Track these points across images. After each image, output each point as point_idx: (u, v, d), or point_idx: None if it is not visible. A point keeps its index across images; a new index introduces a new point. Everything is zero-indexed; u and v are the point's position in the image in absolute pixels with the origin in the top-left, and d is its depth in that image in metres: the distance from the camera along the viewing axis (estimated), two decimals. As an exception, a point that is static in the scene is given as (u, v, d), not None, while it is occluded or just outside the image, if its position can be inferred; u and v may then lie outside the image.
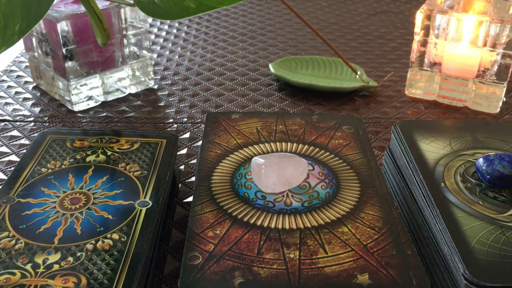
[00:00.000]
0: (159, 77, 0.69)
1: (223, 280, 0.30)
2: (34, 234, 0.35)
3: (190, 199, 0.46)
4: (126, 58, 0.62)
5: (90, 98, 0.60)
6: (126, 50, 0.62)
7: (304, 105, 0.63)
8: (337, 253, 0.32)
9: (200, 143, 0.54)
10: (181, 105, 0.62)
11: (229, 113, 0.48)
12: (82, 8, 0.56)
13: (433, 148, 0.42)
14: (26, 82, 0.67)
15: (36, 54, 0.62)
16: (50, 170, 0.41)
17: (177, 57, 0.76)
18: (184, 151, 0.54)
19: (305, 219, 0.35)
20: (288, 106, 0.62)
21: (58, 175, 0.41)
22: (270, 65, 0.69)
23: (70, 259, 0.33)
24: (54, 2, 0.56)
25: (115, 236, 0.35)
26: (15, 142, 0.54)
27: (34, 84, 0.66)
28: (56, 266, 0.32)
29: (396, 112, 0.62)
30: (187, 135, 0.56)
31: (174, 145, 0.45)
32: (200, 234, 0.34)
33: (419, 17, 0.60)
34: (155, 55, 0.76)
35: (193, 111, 0.61)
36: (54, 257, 0.33)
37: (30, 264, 0.32)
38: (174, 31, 0.85)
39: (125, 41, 0.61)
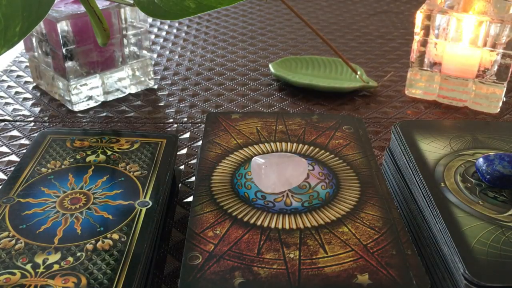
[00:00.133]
0: (159, 77, 0.69)
1: (223, 280, 0.30)
2: (34, 234, 0.35)
3: (190, 199, 0.46)
4: (126, 58, 0.62)
5: (90, 98, 0.60)
6: (126, 50, 0.62)
7: (304, 105, 0.63)
8: (337, 253, 0.32)
9: (200, 143, 0.54)
10: (181, 105, 0.62)
11: (229, 113, 0.48)
12: (82, 8, 0.56)
13: (433, 148, 0.42)
14: (26, 82, 0.67)
15: (36, 54, 0.62)
16: (50, 170, 0.41)
17: (177, 57, 0.76)
18: (184, 151, 0.54)
19: (305, 219, 0.35)
20: (288, 106, 0.62)
21: (58, 175, 0.41)
22: (270, 65, 0.69)
23: (70, 259, 0.33)
24: (54, 2, 0.56)
25: (115, 236, 0.35)
26: (15, 142, 0.54)
27: (34, 84, 0.66)
28: (56, 266, 0.32)
29: (396, 112, 0.62)
30: (187, 135, 0.56)
31: (174, 145, 0.45)
32: (200, 234, 0.34)
33: (419, 17, 0.60)
34: (155, 55, 0.76)
35: (193, 111, 0.61)
36: (54, 257, 0.33)
37: (30, 264, 0.32)
38: (174, 31, 0.85)
39: (125, 41, 0.61)
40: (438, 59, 0.61)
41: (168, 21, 0.89)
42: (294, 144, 0.43)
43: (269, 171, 0.37)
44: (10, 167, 0.51)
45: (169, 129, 0.57)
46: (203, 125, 0.58)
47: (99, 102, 0.61)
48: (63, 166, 0.42)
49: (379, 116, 0.61)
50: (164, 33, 0.84)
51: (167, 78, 0.69)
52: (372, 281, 0.30)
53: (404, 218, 0.42)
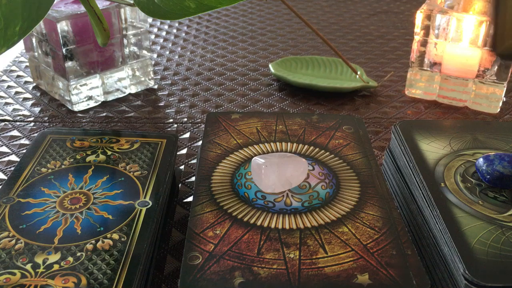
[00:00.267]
0: (159, 77, 0.69)
1: (223, 280, 0.30)
2: (34, 234, 0.35)
3: (190, 199, 0.46)
4: (126, 58, 0.62)
5: (90, 98, 0.60)
6: (126, 50, 0.62)
7: (304, 105, 0.63)
8: (337, 253, 0.32)
9: (200, 143, 0.54)
10: (181, 105, 0.62)
11: (229, 113, 0.48)
12: (82, 8, 0.56)
13: (433, 148, 0.42)
14: (26, 82, 0.67)
15: (36, 54, 0.62)
16: (50, 170, 0.41)
17: (177, 57, 0.76)
18: (184, 151, 0.54)
19: (305, 219, 0.35)
20: (288, 106, 0.62)
21: (58, 175, 0.41)
22: (270, 65, 0.69)
23: (70, 259, 0.33)
24: (54, 2, 0.56)
25: (115, 236, 0.35)
26: (15, 142, 0.54)
27: (34, 84, 0.66)
28: (56, 266, 0.32)
29: (396, 112, 0.62)
30: (187, 135, 0.56)
31: (174, 145, 0.45)
32: (200, 234, 0.34)
33: (419, 17, 0.60)
34: (155, 55, 0.76)
35: (193, 111, 0.61)
36: (54, 257, 0.33)
37: (30, 264, 0.32)
38: (174, 31, 0.85)
39: (125, 41, 0.61)
40: (438, 59, 0.61)
41: (168, 21, 0.89)
42: (294, 144, 0.43)
43: (269, 171, 0.37)
44: (10, 167, 0.51)
45: (169, 129, 0.57)
46: (203, 125, 0.58)
47: (99, 102, 0.61)
48: (63, 166, 0.42)
49: (379, 116, 0.61)
50: (164, 33, 0.84)
51: (167, 78, 0.69)
52: (372, 281, 0.30)
53: (404, 218, 0.42)
